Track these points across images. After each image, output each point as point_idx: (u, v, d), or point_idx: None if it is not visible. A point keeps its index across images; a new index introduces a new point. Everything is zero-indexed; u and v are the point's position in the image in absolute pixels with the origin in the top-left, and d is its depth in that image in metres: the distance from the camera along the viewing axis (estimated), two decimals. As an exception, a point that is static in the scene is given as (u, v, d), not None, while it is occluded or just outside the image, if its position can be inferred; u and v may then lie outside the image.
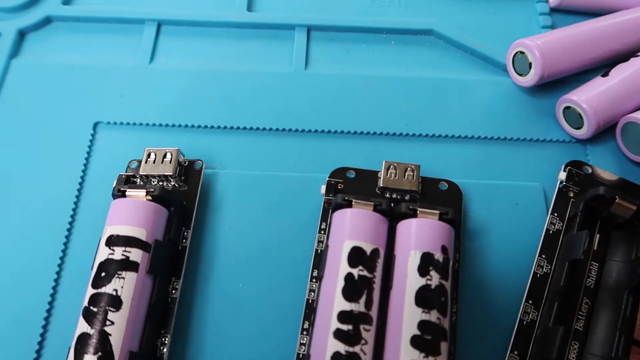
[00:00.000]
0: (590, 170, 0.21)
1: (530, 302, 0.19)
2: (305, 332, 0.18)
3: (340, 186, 0.21)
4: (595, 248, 0.20)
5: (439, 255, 0.17)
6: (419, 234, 0.18)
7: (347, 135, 0.23)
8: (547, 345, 0.18)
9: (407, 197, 0.20)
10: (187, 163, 0.21)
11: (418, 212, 0.19)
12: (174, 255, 0.19)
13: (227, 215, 0.21)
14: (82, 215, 0.21)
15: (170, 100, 0.24)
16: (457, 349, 0.18)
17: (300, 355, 0.18)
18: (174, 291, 0.19)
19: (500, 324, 0.19)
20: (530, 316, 0.19)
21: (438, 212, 0.18)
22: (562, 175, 0.21)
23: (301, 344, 0.18)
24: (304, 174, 0.22)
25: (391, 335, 0.17)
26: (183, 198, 0.20)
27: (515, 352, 0.18)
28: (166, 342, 0.18)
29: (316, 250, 0.20)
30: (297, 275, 0.20)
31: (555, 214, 0.20)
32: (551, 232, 0.20)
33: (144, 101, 0.24)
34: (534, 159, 0.23)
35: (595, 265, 0.19)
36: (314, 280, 0.19)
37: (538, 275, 0.19)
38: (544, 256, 0.20)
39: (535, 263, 0.20)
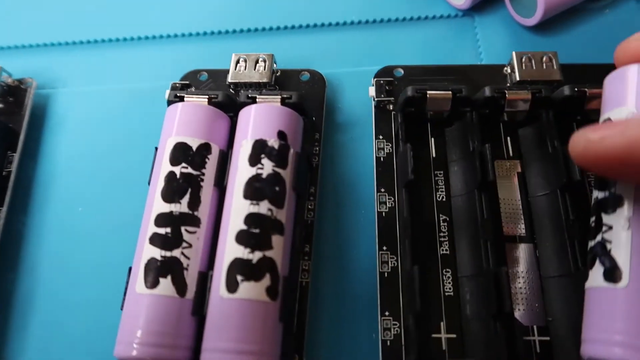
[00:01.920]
0: (402, 72, 0.18)
1: (385, 248, 0.16)
2: (143, 248, 0.16)
3: (191, 90, 0.18)
4: (434, 155, 0.17)
5: (273, 142, 0.15)
6: (254, 121, 0.15)
7: (202, 37, 0.20)
8: (411, 293, 0.14)
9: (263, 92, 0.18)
10: (16, 83, 0.19)
11: (257, 99, 0.16)
12: (-6, 181, 0.17)
13: (66, 136, 0.19)
14: None
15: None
16: (319, 249, 0.16)
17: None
18: (-5, 220, 0.16)
19: (366, 218, 0.17)
20: (389, 264, 0.15)
21: (279, 96, 0.16)
22: (372, 91, 0.18)
23: (139, 260, 0.16)
24: (153, 83, 0.19)
25: (220, 235, 0.14)
26: (13, 121, 0.18)
27: (387, 314, 0.15)
28: (-15, 275, 0.16)
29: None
30: (141, 191, 0.17)
31: (381, 137, 0.17)
32: (382, 159, 0.17)
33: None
34: (418, 39, 0.20)
35: (440, 173, 0.17)
36: (155, 192, 0.17)
37: (384, 214, 0.16)
38: (383, 190, 0.16)
39: (376, 201, 0.16)
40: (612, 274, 0.12)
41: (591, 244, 0.13)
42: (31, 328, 0.16)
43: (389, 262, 0.16)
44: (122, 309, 0.14)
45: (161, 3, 0.21)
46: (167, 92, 0.18)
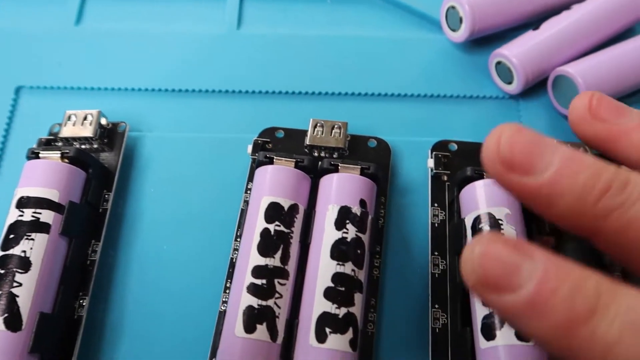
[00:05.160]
0: (456, 147, 0.20)
1: (437, 306, 0.18)
2: (227, 291, 0.18)
3: (269, 146, 0.20)
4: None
5: (356, 209, 0.17)
6: (338, 188, 0.18)
7: (279, 96, 0.23)
8: (463, 353, 0.16)
9: (335, 155, 0.20)
10: (110, 126, 0.21)
11: (339, 167, 0.18)
12: (93, 218, 0.19)
13: (153, 178, 0.21)
14: (1, 182, 0.20)
15: (97, 62, 0.23)
16: (381, 302, 0.18)
17: (222, 313, 0.18)
18: (93, 254, 0.18)
19: (421, 276, 0.19)
20: (440, 321, 0.18)
21: (359, 166, 0.18)
22: (430, 163, 0.20)
23: (223, 302, 0.18)
24: (233, 135, 0.21)
25: (307, 289, 0.16)
26: (105, 161, 0.20)
27: None
28: (84, 304, 0.17)
29: (242, 210, 0.19)
30: (223, 236, 0.19)
31: (436, 205, 0.19)
32: (436, 225, 0.19)
33: (70, 64, 0.23)
34: (468, 116, 0.23)
35: None
36: (238, 239, 0.19)
37: (436, 276, 0.18)
38: (436, 253, 0.19)
39: (430, 262, 0.18)
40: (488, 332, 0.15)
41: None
42: (120, 357, 0.18)
43: (440, 319, 0.18)
44: (212, 348, 0.16)
45: (243, 62, 0.23)
46: (249, 147, 0.20)
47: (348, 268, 0.16)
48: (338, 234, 0.17)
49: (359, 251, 0.17)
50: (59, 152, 0.18)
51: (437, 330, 0.18)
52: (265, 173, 0.18)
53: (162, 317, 0.18)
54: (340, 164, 0.18)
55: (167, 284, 0.19)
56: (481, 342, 0.16)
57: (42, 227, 0.17)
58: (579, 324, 0.10)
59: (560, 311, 0.10)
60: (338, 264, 0.16)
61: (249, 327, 0.15)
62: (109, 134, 0.20)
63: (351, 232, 0.17)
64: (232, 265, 0.18)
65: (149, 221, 0.20)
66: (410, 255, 0.19)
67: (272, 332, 0.16)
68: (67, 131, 0.20)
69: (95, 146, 0.20)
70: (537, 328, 0.11)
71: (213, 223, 0.20)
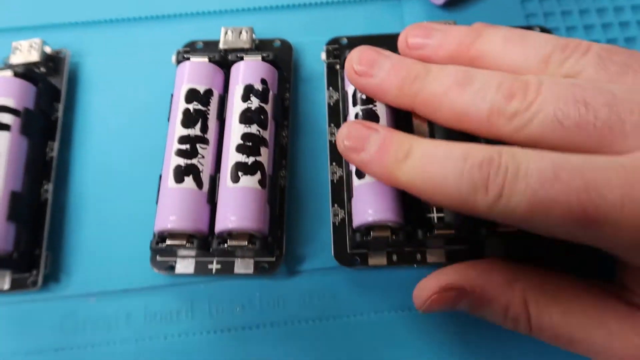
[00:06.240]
0: (346, 41, 0.25)
1: (334, 163, 0.22)
2: (165, 168, 0.22)
3: (190, 54, 0.24)
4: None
5: (258, 86, 0.21)
6: (243, 71, 0.22)
7: (195, 16, 0.26)
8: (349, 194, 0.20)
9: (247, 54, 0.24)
10: (54, 53, 0.24)
11: (244, 58, 0.22)
12: (48, 124, 0.23)
13: (98, 93, 0.25)
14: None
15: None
16: (291, 162, 0.23)
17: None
18: (51, 151, 0.22)
19: (321, 143, 0.23)
20: (337, 174, 0.22)
21: (260, 55, 0.22)
22: (323, 56, 0.24)
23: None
24: (159, 53, 0.25)
25: (224, 149, 0.21)
26: (54, 81, 0.24)
27: (335, 205, 0.21)
28: (48, 189, 0.22)
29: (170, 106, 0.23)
30: (161, 129, 0.23)
31: (330, 88, 0.24)
32: (331, 104, 0.23)
33: (11, 5, 0.27)
34: (358, 17, 0.27)
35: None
36: (171, 129, 0.23)
37: (333, 142, 0.23)
38: (332, 125, 0.23)
39: (327, 132, 0.23)
40: (359, 174, 0.20)
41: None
42: (84, 224, 0.22)
43: (337, 172, 0.22)
44: (157, 202, 0.20)
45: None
46: (174, 57, 0.24)
47: (254, 129, 0.21)
48: (244, 105, 0.21)
49: (262, 117, 0.21)
50: (10, 70, 0.22)
51: (334, 182, 0.22)
52: (184, 68, 0.22)
53: (117, 195, 0.22)
54: (245, 56, 0.22)
55: (119, 169, 0.23)
56: (355, 181, 0.20)
57: (4, 127, 0.21)
58: (398, 167, 0.16)
59: (388, 161, 0.16)
60: (245, 126, 0.21)
61: (178, 179, 0.20)
62: (53, 60, 0.24)
63: (255, 102, 0.21)
64: (168, 149, 0.22)
65: (98, 126, 0.24)
66: (313, 127, 0.24)
67: (198, 182, 0.20)
68: (15, 59, 0.23)
69: (43, 70, 0.24)
70: (377, 171, 0.17)
71: (152, 122, 0.24)
